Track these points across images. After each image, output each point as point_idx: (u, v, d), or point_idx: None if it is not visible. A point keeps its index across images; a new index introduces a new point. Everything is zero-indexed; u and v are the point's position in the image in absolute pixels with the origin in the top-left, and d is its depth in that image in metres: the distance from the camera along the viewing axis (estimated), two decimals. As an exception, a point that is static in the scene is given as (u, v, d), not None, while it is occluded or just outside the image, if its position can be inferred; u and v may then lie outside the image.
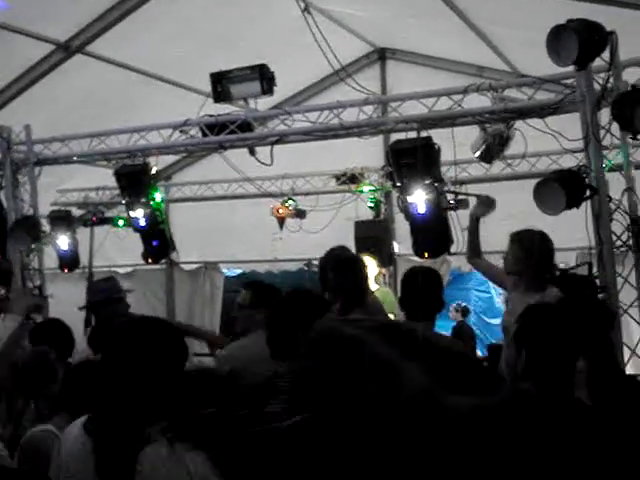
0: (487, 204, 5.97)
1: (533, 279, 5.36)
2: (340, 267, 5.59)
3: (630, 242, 5.13)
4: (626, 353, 5.18)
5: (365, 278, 5.59)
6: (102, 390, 2.82)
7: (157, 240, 7.28)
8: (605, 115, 5.14)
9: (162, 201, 7.49)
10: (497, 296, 15.10)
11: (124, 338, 2.87)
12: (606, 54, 4.90)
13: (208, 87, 6.68)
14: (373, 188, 9.31)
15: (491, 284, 14.90)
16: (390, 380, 1.64)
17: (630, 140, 5.18)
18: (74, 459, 2.72)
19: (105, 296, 5.94)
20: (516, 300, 5.43)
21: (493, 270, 6.27)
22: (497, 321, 12.65)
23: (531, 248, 5.38)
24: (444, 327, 13.13)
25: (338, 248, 6.46)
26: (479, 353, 10.70)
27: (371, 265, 8.28)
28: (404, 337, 2.05)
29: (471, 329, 12.15)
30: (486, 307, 13.24)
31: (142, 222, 7.09)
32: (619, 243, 5.17)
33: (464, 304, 12.60)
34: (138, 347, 2.78)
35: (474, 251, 6.09)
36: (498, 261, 8.16)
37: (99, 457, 2.64)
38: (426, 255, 6.31)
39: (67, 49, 7.49)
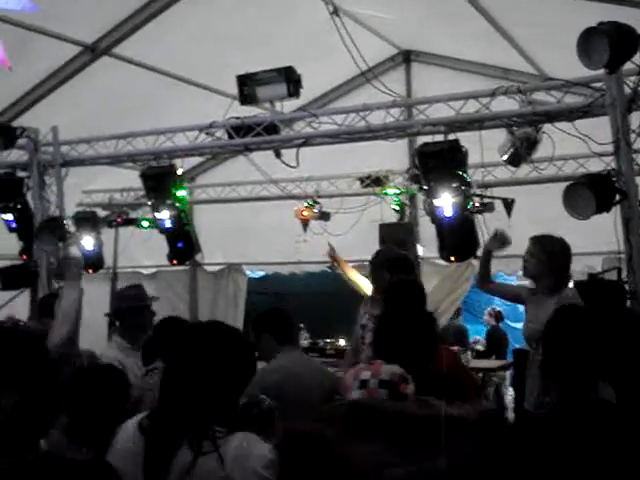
0: (502, 240, 5.96)
1: (552, 283, 5.43)
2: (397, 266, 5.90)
3: (660, 246, 5.07)
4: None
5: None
6: (166, 391, 2.79)
7: (182, 242, 7.28)
8: (635, 119, 5.09)
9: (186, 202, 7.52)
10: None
11: (199, 341, 2.83)
12: (637, 57, 4.86)
13: (234, 89, 6.67)
14: (398, 191, 9.28)
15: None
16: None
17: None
18: (123, 455, 2.71)
19: (130, 304, 5.95)
20: (535, 305, 5.48)
21: (507, 289, 6.41)
22: (520, 325, 12.59)
23: (553, 251, 5.46)
24: (478, 331, 13.13)
25: (387, 248, 6.87)
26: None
27: None
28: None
29: (505, 334, 12.09)
30: (509, 310, 13.12)
31: (168, 224, 7.09)
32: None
33: (498, 309, 12.52)
34: (211, 352, 2.75)
35: (485, 279, 6.18)
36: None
37: (148, 458, 2.62)
38: (453, 259, 6.28)
39: (93, 51, 7.54)
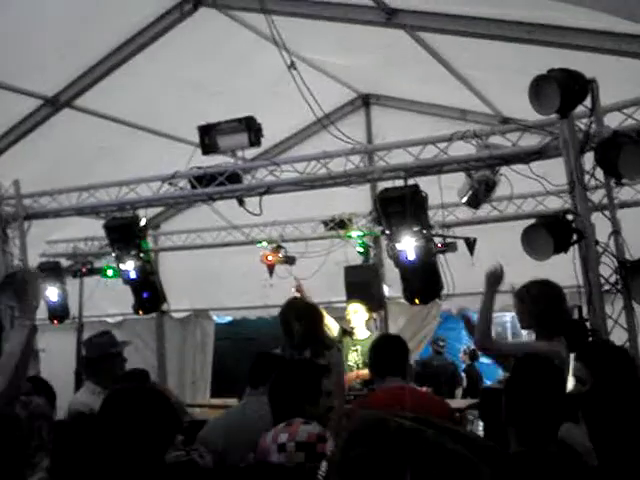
0: (497, 278, 5.35)
1: (540, 330, 5.18)
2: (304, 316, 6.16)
3: (618, 284, 5.17)
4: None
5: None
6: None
7: (148, 292, 7.28)
8: (589, 159, 5.22)
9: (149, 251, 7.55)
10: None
11: (114, 408, 2.88)
12: (588, 100, 5.00)
13: (196, 137, 6.74)
14: (362, 233, 9.35)
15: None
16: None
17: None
18: None
19: (101, 351, 5.91)
20: None
21: (519, 347, 5.75)
22: (489, 360, 12.65)
23: (534, 298, 5.19)
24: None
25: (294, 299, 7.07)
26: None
27: (361, 311, 8.36)
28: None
29: (478, 373, 12.20)
30: (478, 347, 13.25)
31: (132, 274, 7.10)
32: (608, 286, 5.21)
33: (473, 347, 12.60)
34: (127, 417, 2.79)
35: (486, 335, 5.34)
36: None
37: None
38: (417, 301, 6.33)
39: (55, 103, 7.56)
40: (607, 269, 5.21)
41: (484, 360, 12.22)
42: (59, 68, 7.25)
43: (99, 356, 5.91)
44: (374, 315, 9.23)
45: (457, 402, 9.08)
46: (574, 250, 5.18)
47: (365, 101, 9.87)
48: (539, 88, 4.75)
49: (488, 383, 10.60)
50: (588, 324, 5.15)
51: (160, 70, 7.57)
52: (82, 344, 6.66)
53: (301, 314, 6.31)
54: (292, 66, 5.68)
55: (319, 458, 2.97)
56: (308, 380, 3.99)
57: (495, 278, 5.32)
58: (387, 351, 5.03)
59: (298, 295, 8.11)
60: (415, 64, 7.98)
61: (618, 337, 5.36)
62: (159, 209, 10.43)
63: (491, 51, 7.04)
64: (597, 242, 5.14)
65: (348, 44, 7.63)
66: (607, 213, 5.34)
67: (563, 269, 5.35)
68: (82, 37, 6.85)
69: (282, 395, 3.93)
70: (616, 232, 5.23)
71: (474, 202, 6.59)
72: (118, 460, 2.71)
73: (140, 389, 3.05)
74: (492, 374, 11.29)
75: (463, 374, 12.44)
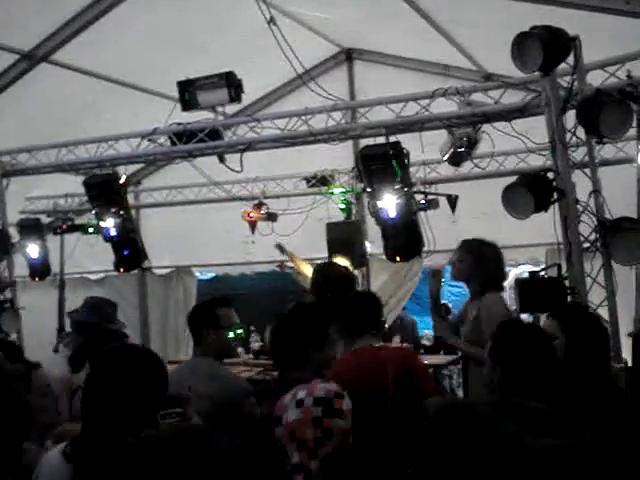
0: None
1: (478, 288, 5.73)
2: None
3: (598, 243, 5.20)
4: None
5: None
6: (88, 416, 2.81)
7: (128, 249, 7.25)
8: (571, 117, 5.20)
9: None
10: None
11: (106, 365, 2.88)
12: (570, 58, 4.97)
13: (176, 93, 6.66)
14: (344, 190, 9.33)
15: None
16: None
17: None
18: None
19: (97, 320, 5.90)
20: (465, 310, 5.83)
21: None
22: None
23: (481, 256, 5.73)
24: (427, 323, 13.23)
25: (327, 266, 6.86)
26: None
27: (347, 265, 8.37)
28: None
29: (456, 326, 12.17)
30: (459, 302, 13.28)
31: (113, 232, 7.05)
32: (587, 244, 5.23)
33: (443, 302, 12.65)
34: (120, 375, 2.79)
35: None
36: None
37: None
38: (398, 259, 6.35)
39: (31, 58, 7.40)
40: (587, 228, 5.23)
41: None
42: (35, 22, 7.07)
43: (93, 323, 5.88)
44: (356, 272, 9.23)
45: (438, 358, 9.15)
46: (554, 208, 5.19)
47: (348, 56, 9.75)
48: (522, 45, 4.70)
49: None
50: (567, 282, 5.19)
51: (139, 24, 7.43)
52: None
53: (333, 283, 6.16)
54: (272, 21, 5.60)
55: (336, 414, 2.99)
56: (314, 323, 3.97)
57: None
58: (362, 309, 5.06)
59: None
60: (398, 18, 7.88)
61: (597, 296, 5.42)
62: (139, 166, 10.34)
63: (474, 6, 6.99)
64: (577, 201, 5.14)
65: (330, -2, 7.54)
66: (588, 171, 5.35)
67: (543, 227, 5.38)
68: (58, -10, 6.72)
69: (285, 338, 3.92)
70: (596, 191, 5.24)
71: (456, 159, 6.59)
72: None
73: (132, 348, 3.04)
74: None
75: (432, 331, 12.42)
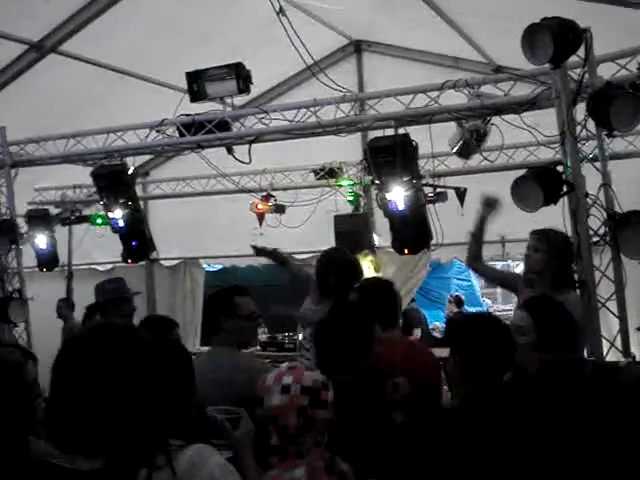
0: (492, 204, 5.78)
1: (552, 279, 5.27)
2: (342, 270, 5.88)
3: (607, 237, 5.17)
4: (605, 345, 5.24)
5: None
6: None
7: (136, 240, 7.25)
8: (581, 110, 5.17)
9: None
10: (477, 284, 15.21)
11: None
12: (581, 50, 4.93)
13: (184, 84, 6.64)
14: (352, 182, 9.31)
15: (472, 272, 15.05)
16: None
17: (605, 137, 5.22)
18: None
19: (115, 295, 5.94)
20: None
21: (500, 275, 6.17)
22: (478, 310, 12.72)
23: (557, 246, 5.30)
24: (435, 317, 13.27)
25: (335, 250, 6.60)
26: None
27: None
28: None
29: None
30: (467, 295, 13.30)
31: (121, 223, 7.05)
32: (596, 238, 5.20)
33: (456, 294, 12.65)
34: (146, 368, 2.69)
35: (476, 257, 5.94)
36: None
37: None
38: (406, 251, 6.34)
39: (40, 49, 7.40)
40: (596, 221, 5.20)
41: (474, 310, 12.32)
42: (44, 12, 7.07)
43: (107, 300, 5.92)
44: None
45: (444, 351, 9.12)
46: (564, 202, 5.16)
47: (357, 47, 9.74)
48: (532, 37, 4.66)
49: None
50: (576, 276, 5.17)
51: (148, 15, 7.42)
52: (94, 289, 6.54)
53: (339, 269, 6.03)
54: (281, 12, 5.58)
55: (320, 405, 3.00)
56: (360, 325, 3.91)
57: (490, 202, 5.67)
58: (393, 299, 5.03)
59: None
60: (408, 10, 7.87)
61: (605, 289, 5.40)
62: (148, 157, 10.35)
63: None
64: (587, 194, 5.11)
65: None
66: (598, 165, 5.31)
67: (552, 220, 5.35)
68: (67, -20, 6.71)
69: (331, 343, 3.86)
70: (606, 184, 5.20)
71: (465, 152, 6.56)
72: None
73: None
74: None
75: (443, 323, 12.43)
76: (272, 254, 6.93)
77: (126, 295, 6.08)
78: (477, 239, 5.86)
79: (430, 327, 12.22)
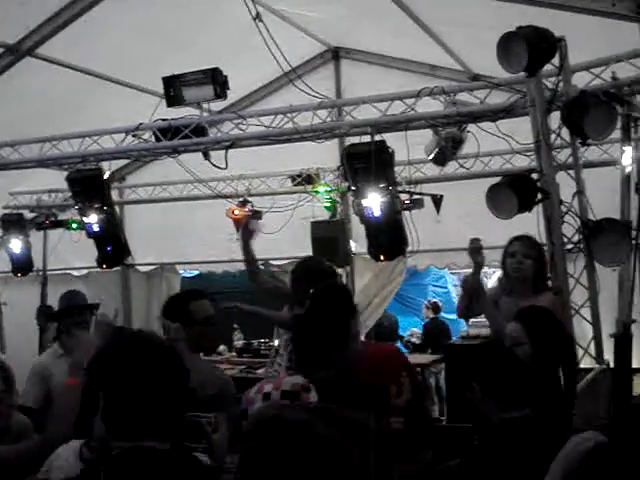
0: (477, 249, 5.35)
1: (535, 284, 5.20)
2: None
3: (581, 244, 5.22)
4: (579, 352, 5.28)
5: None
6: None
7: (111, 245, 7.22)
8: (555, 118, 5.22)
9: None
10: (454, 291, 15.25)
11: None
12: (556, 59, 4.98)
13: (161, 89, 6.63)
14: (329, 188, 9.30)
15: (449, 279, 15.11)
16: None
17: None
18: None
19: (67, 303, 5.85)
20: (515, 305, 5.09)
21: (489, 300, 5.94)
22: (454, 316, 12.74)
23: (541, 250, 5.27)
24: (412, 324, 13.27)
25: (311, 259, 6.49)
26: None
27: None
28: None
29: (445, 325, 12.00)
30: (444, 302, 13.33)
31: (96, 227, 7.02)
32: (570, 245, 5.25)
33: (433, 300, 12.68)
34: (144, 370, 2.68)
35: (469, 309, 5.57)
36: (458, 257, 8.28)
37: None
38: (382, 258, 6.36)
39: (16, 52, 7.34)
40: (570, 229, 5.25)
41: (450, 316, 12.34)
42: (20, 15, 7.02)
43: (63, 309, 5.85)
44: (340, 271, 9.22)
45: (421, 357, 9.19)
46: (538, 209, 5.20)
47: (335, 54, 9.74)
48: (507, 45, 4.71)
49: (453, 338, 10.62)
50: (550, 283, 5.20)
51: (125, 19, 7.37)
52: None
53: (314, 278, 5.57)
54: (258, 17, 5.58)
55: None
56: (334, 322, 3.83)
57: (475, 248, 5.30)
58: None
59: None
60: (386, 18, 7.88)
61: (579, 296, 5.45)
62: (124, 161, 10.28)
63: (462, 7, 6.99)
64: (561, 202, 5.17)
65: (318, -5, 7.52)
66: (572, 173, 5.37)
67: (526, 228, 5.39)
68: (44, -17, 6.67)
69: (305, 340, 3.82)
70: (580, 192, 5.26)
71: (441, 159, 6.60)
72: None
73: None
74: (455, 329, 11.37)
75: (420, 329, 12.41)
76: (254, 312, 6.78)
77: (80, 303, 5.94)
78: (472, 289, 5.39)
79: (407, 333, 12.23)
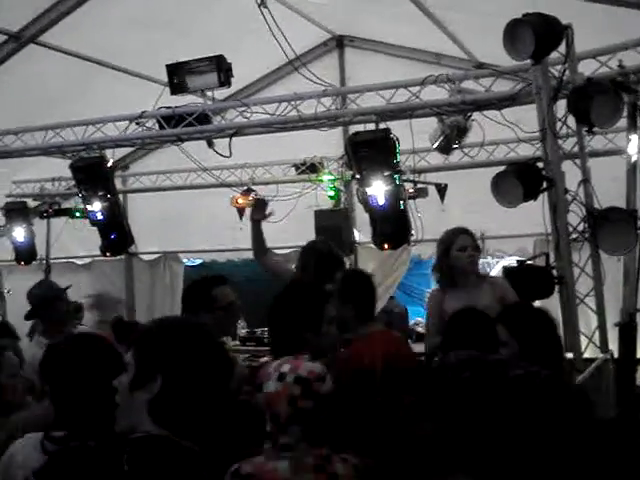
0: None
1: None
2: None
3: (586, 233, 5.19)
4: (583, 341, 5.26)
5: None
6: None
7: (115, 233, 7.20)
8: (561, 107, 5.18)
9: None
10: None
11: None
12: (562, 47, 4.94)
13: (165, 76, 6.61)
14: (333, 177, 9.27)
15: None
16: None
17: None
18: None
19: (39, 299, 5.83)
20: (466, 295, 5.12)
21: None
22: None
23: None
24: (416, 313, 13.24)
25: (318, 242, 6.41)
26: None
27: None
28: None
29: None
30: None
31: (99, 215, 7.00)
32: (575, 234, 5.22)
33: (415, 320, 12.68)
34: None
35: None
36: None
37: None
38: (386, 246, 6.33)
39: (19, 39, 7.33)
40: (575, 217, 5.23)
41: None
42: (24, 2, 7.02)
43: (36, 304, 5.83)
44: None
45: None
46: (543, 198, 5.18)
47: (339, 42, 9.70)
48: (514, 32, 4.67)
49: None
50: (555, 272, 5.18)
51: (129, 7, 7.35)
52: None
53: (321, 259, 5.73)
54: (262, 4, 5.54)
55: (311, 396, 2.97)
56: (308, 304, 3.80)
57: None
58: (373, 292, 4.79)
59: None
60: (391, 6, 7.85)
61: (584, 286, 5.42)
62: (128, 149, 10.25)
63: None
64: (567, 190, 5.14)
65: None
66: (577, 161, 5.34)
67: (532, 216, 5.37)
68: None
69: (280, 322, 3.79)
70: (586, 181, 5.23)
71: (445, 148, 6.57)
72: None
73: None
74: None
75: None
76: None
77: (52, 294, 5.91)
78: None
79: (412, 323, 12.22)
